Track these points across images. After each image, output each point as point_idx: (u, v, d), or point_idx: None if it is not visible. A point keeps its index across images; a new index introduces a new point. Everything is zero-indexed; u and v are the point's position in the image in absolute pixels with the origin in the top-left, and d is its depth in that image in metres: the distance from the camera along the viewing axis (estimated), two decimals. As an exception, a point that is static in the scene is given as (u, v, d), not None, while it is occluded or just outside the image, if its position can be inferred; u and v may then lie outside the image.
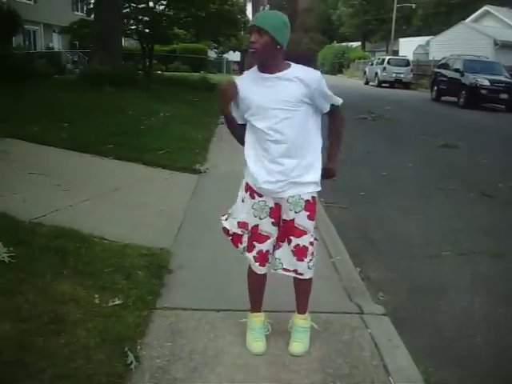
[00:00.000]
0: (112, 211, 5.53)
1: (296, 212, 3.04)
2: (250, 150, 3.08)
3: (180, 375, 2.93)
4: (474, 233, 5.97)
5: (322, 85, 2.97)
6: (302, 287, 3.27)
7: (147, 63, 24.66)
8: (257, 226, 3.11)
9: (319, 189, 3.11)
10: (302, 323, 3.30)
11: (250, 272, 3.26)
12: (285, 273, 3.17)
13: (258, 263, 3.15)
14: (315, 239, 3.19)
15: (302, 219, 3.05)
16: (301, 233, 3.07)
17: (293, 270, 3.15)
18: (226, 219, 3.26)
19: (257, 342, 3.22)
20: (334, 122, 3.18)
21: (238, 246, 3.22)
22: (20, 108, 10.62)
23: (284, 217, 3.08)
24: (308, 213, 3.06)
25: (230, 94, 3.07)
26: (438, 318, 4.04)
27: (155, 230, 5.11)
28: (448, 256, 5.23)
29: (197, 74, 28.06)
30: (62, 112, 10.53)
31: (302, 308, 3.33)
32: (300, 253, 3.09)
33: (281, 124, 2.94)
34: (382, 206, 6.95)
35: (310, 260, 3.14)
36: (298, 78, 2.92)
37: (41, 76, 18.55)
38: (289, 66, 2.99)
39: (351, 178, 7.95)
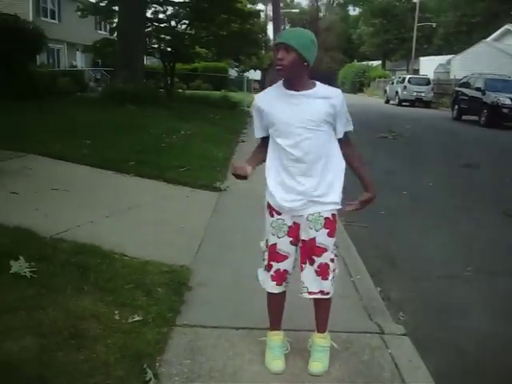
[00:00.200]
0: (133, 228, 5.56)
1: (316, 230, 3.03)
2: (270, 167, 3.09)
3: (199, 393, 2.92)
4: (495, 253, 5.91)
5: (344, 107, 3.00)
6: (324, 305, 3.25)
7: (169, 81, 24.92)
8: (275, 244, 3.11)
9: (339, 207, 3.11)
10: (321, 342, 3.28)
11: (267, 293, 3.25)
12: (310, 296, 3.16)
13: (274, 282, 3.15)
14: (335, 255, 3.18)
15: (322, 237, 3.05)
16: (322, 251, 3.07)
17: (319, 292, 3.13)
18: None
19: (276, 361, 3.20)
20: (351, 148, 3.17)
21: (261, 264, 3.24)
22: (43, 125, 10.78)
23: (303, 237, 3.08)
24: (328, 230, 3.06)
25: (242, 174, 3.09)
26: (459, 339, 3.99)
27: (176, 247, 5.12)
28: (469, 276, 5.17)
29: (218, 92, 28.27)
30: (85, 129, 10.66)
31: (321, 327, 3.31)
32: (323, 271, 3.09)
33: (303, 143, 2.95)
34: (402, 226, 6.91)
35: (333, 277, 3.14)
36: (324, 97, 2.94)
37: (64, 93, 18.85)
38: (314, 84, 3.00)
39: (371, 196, 7.92)
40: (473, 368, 3.60)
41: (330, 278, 3.12)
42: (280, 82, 3.03)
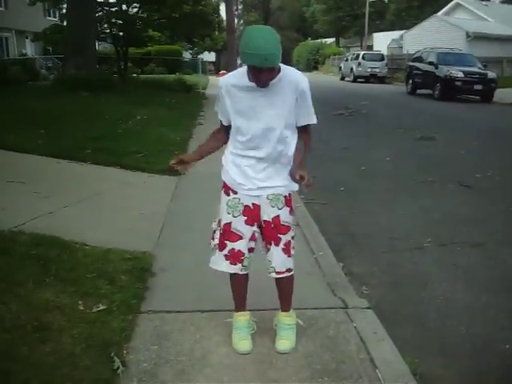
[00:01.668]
0: (93, 216, 5.50)
1: (279, 208, 3.06)
2: (228, 152, 3.12)
3: (168, 378, 2.92)
4: (453, 223, 6.03)
5: (308, 92, 2.98)
6: (286, 284, 3.28)
7: (122, 66, 24.57)
8: (230, 223, 3.10)
9: (295, 186, 3.13)
10: (287, 320, 3.31)
11: (230, 275, 3.25)
12: (278, 276, 3.18)
13: (228, 261, 3.14)
14: (294, 234, 3.23)
15: (285, 215, 3.09)
16: (286, 229, 3.11)
17: (286, 270, 3.16)
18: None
19: (243, 341, 3.23)
20: (307, 138, 3.16)
21: (210, 243, 3.23)
22: (-5, 116, 10.51)
23: (265, 217, 3.09)
24: (289, 208, 3.11)
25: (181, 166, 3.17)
26: (421, 309, 4.08)
27: (137, 233, 5.09)
28: (429, 247, 5.28)
29: (172, 75, 27.93)
30: (38, 118, 10.45)
31: (286, 306, 3.34)
32: (288, 249, 3.13)
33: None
34: (361, 201, 6.99)
35: (292, 254, 3.19)
36: (289, 81, 2.91)
37: (15, 83, 18.41)
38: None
39: (330, 173, 8.00)
40: (436, 336, 3.69)
41: (292, 254, 3.17)
42: (244, 72, 2.91)
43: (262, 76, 2.76)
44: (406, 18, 55.01)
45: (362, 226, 5.96)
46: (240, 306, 3.35)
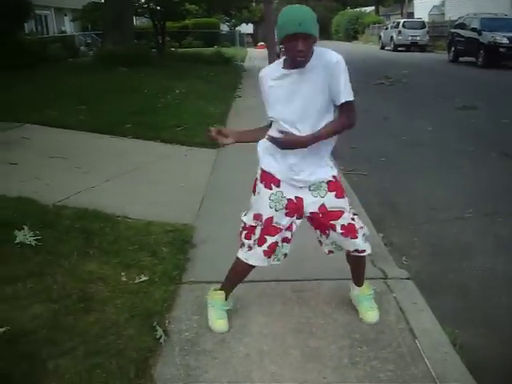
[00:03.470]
0: (134, 190, 5.59)
1: (322, 196, 2.96)
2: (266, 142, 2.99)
3: (208, 347, 2.98)
4: (496, 193, 5.93)
5: (343, 71, 2.79)
6: (360, 262, 3.26)
7: (160, 41, 24.62)
8: (271, 218, 2.99)
9: (336, 170, 3.04)
10: (367, 291, 3.33)
11: (241, 263, 3.15)
12: (352, 253, 3.14)
13: (266, 256, 3.06)
14: (354, 214, 3.12)
15: (332, 201, 2.97)
16: (339, 214, 2.99)
17: (354, 251, 3.11)
18: (245, 214, 3.16)
19: (219, 321, 3.18)
20: (346, 116, 2.90)
21: (250, 238, 3.09)
22: (37, 93, 10.71)
23: (311, 209, 2.98)
24: (334, 192, 2.98)
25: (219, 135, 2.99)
26: (462, 279, 4.04)
27: (177, 206, 5.16)
28: (470, 218, 5.22)
29: (210, 48, 27.89)
30: (79, 95, 10.60)
31: (359, 282, 3.34)
32: (350, 231, 3.03)
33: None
34: (402, 171, 6.92)
35: (363, 235, 3.10)
36: (324, 62, 2.78)
37: (55, 60, 18.66)
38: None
39: (370, 144, 7.93)
40: (477, 307, 3.66)
41: (360, 235, 3.06)
42: (281, 62, 2.89)
43: (298, 45, 2.64)
44: (448, -16, 53.54)
45: (403, 197, 5.91)
46: (227, 287, 3.29)
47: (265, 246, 3.04)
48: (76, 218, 4.45)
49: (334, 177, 2.99)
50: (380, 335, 3.10)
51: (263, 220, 3.00)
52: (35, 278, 3.47)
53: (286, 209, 2.98)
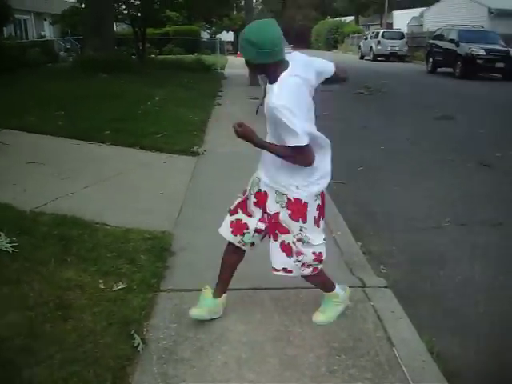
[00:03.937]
0: (112, 197, 5.56)
1: (282, 206, 2.99)
2: None
3: (187, 355, 2.97)
4: (473, 203, 5.99)
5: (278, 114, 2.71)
6: (309, 282, 3.32)
7: (140, 47, 24.54)
8: (247, 197, 3.14)
9: (304, 194, 2.98)
10: (332, 297, 3.38)
11: (226, 249, 3.27)
12: (274, 272, 3.15)
13: (231, 229, 3.15)
14: (299, 240, 3.04)
15: (285, 217, 3.00)
16: (285, 231, 3.03)
17: (282, 269, 3.12)
18: None
19: (197, 309, 3.25)
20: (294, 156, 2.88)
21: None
22: (15, 98, 10.61)
23: (268, 210, 3.04)
24: (290, 211, 2.98)
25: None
26: (439, 288, 4.08)
27: (156, 213, 5.13)
28: (448, 227, 5.27)
29: (191, 55, 27.88)
30: (58, 100, 10.51)
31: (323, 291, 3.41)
32: (287, 250, 3.07)
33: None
34: (380, 180, 6.96)
35: (297, 261, 3.08)
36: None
37: (35, 65, 18.51)
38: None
39: (349, 153, 7.96)
40: (454, 316, 3.69)
41: (294, 259, 3.08)
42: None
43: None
44: (427, -5, 54.16)
45: (381, 206, 5.95)
46: (218, 280, 3.34)
47: (233, 218, 3.15)
48: (54, 225, 4.41)
49: (295, 199, 2.96)
50: (358, 343, 3.11)
51: (243, 195, 3.16)
52: (12, 285, 3.43)
53: (255, 197, 3.09)
